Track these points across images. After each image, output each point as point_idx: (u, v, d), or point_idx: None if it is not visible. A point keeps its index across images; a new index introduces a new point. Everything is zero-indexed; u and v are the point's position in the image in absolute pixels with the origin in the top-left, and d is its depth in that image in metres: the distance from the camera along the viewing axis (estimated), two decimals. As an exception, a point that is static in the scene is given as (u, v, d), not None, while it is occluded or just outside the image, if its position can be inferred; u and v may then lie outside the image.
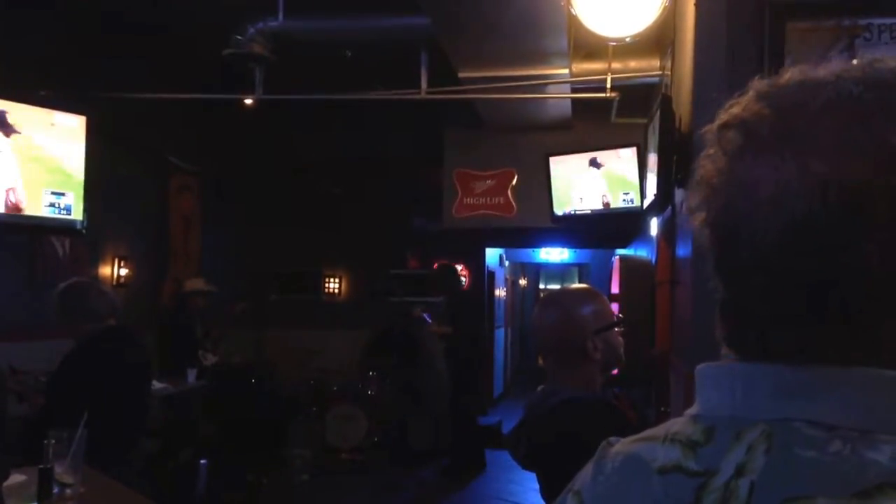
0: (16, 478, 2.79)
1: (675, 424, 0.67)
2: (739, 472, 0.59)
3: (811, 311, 0.60)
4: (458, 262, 9.75)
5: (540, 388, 1.94)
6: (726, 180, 0.64)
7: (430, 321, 8.13)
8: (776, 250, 0.60)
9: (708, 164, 0.66)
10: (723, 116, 0.67)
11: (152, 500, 2.78)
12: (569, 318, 1.91)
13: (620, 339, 1.96)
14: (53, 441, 2.66)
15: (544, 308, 2.01)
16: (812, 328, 0.60)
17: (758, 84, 0.66)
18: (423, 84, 5.80)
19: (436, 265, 8.60)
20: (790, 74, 0.65)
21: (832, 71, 0.63)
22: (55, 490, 2.65)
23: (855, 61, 0.64)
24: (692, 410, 0.67)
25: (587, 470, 0.73)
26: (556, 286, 15.33)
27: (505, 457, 1.95)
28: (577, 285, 2.22)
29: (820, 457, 0.56)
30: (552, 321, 1.94)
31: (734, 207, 0.63)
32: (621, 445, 0.71)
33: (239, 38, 5.39)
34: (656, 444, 0.66)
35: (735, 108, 0.66)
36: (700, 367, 0.68)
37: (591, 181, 6.66)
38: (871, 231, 0.57)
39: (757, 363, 0.62)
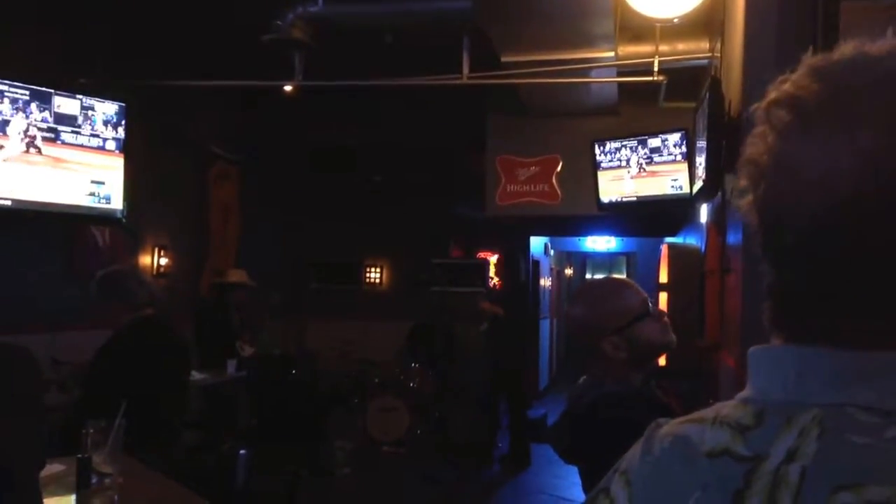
0: (54, 467, 2.80)
1: (725, 407, 0.66)
2: (790, 457, 0.58)
3: (857, 290, 0.59)
4: (502, 252, 9.67)
5: (581, 379, 1.90)
6: (773, 160, 0.63)
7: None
8: (821, 229, 0.59)
9: (756, 142, 0.65)
10: (772, 93, 0.66)
11: (191, 491, 2.76)
12: (586, 319, 1.88)
13: (656, 326, 1.86)
14: (92, 431, 2.67)
15: (570, 306, 1.97)
16: (860, 310, 0.60)
17: (810, 60, 0.65)
18: (465, 69, 5.72)
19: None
20: (844, 50, 0.64)
21: (888, 46, 0.62)
22: (93, 480, 2.66)
23: None
24: (743, 394, 0.66)
25: (635, 450, 0.73)
26: (602, 276, 15.21)
27: (549, 450, 1.88)
28: (603, 278, 2.14)
29: (874, 443, 0.55)
30: (574, 320, 1.91)
31: (780, 188, 0.62)
32: (670, 427, 0.70)
33: (279, 23, 5.36)
34: (705, 426, 0.66)
35: (786, 84, 0.65)
36: (753, 349, 0.67)
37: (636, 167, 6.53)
38: None
39: (811, 346, 0.61)
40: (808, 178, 0.60)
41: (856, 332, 0.60)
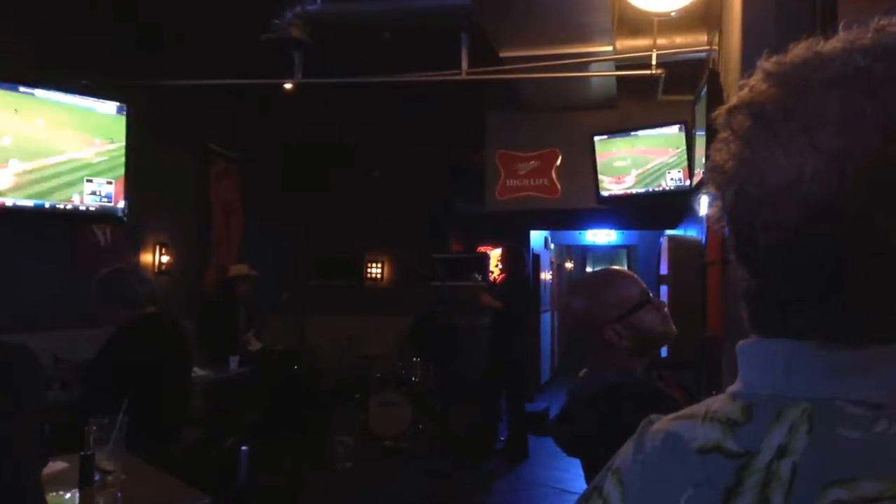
0: (57, 465, 2.80)
1: (716, 402, 0.66)
2: (781, 452, 0.58)
3: (833, 291, 0.59)
4: (501, 246, 9.67)
5: (582, 372, 1.89)
6: (738, 165, 0.63)
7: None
8: (793, 234, 0.59)
9: (720, 149, 0.65)
10: (732, 99, 0.66)
11: (194, 487, 2.76)
12: (586, 309, 1.87)
13: (656, 315, 1.85)
14: (94, 428, 2.66)
15: (570, 298, 1.97)
16: (835, 308, 0.59)
17: (765, 63, 0.65)
18: (464, 65, 5.70)
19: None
20: (797, 51, 0.64)
21: (841, 43, 0.62)
22: (96, 477, 2.65)
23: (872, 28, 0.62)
24: (733, 388, 0.66)
25: (627, 448, 0.72)
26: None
27: (551, 443, 1.88)
28: (600, 269, 2.13)
29: (865, 437, 0.55)
30: (574, 312, 1.91)
31: (748, 195, 0.62)
32: (662, 423, 0.70)
33: (277, 22, 5.35)
34: (696, 422, 0.66)
35: (744, 89, 0.65)
36: (741, 343, 0.67)
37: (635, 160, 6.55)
38: (888, 206, 0.56)
39: (799, 341, 0.61)
40: (776, 183, 0.59)
41: (842, 328, 0.59)
